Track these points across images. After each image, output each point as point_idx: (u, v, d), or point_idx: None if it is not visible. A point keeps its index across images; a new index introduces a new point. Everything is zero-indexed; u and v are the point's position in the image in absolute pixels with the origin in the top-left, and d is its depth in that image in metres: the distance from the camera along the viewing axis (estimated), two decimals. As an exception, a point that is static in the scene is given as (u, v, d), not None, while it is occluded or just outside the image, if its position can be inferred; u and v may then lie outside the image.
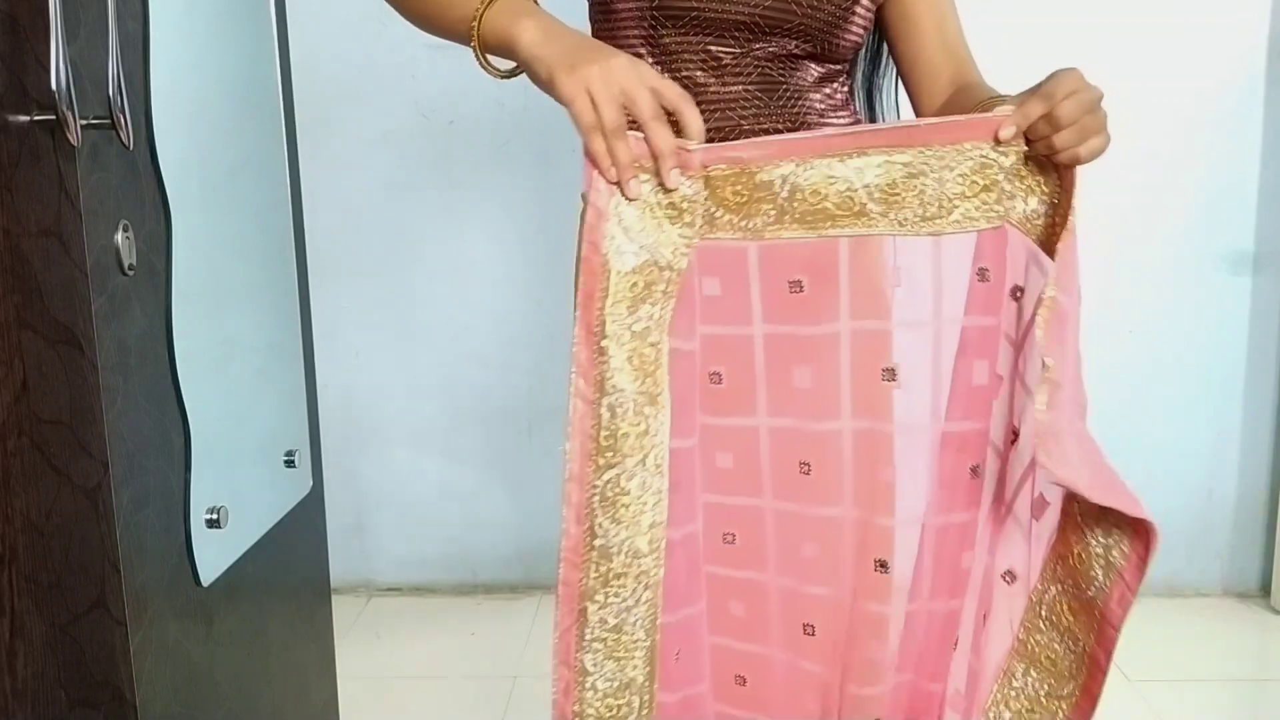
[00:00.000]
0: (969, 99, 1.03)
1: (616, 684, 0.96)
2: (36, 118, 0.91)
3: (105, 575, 0.99)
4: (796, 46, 1.06)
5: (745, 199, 0.94)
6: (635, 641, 0.96)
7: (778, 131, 1.06)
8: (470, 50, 0.97)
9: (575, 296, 0.92)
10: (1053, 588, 1.00)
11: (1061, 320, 0.90)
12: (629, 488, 0.93)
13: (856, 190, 0.93)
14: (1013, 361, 0.97)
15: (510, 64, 0.96)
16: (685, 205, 0.93)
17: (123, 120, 0.95)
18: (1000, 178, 0.93)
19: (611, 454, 0.93)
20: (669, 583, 0.97)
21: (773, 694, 1.06)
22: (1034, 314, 0.91)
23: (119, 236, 0.99)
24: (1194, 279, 2.37)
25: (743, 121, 1.06)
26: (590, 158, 0.90)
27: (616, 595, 0.94)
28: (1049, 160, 0.91)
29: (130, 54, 1.02)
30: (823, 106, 1.10)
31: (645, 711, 0.98)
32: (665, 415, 0.95)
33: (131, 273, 1.01)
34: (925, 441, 0.99)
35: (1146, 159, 2.28)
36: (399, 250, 2.39)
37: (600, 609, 0.94)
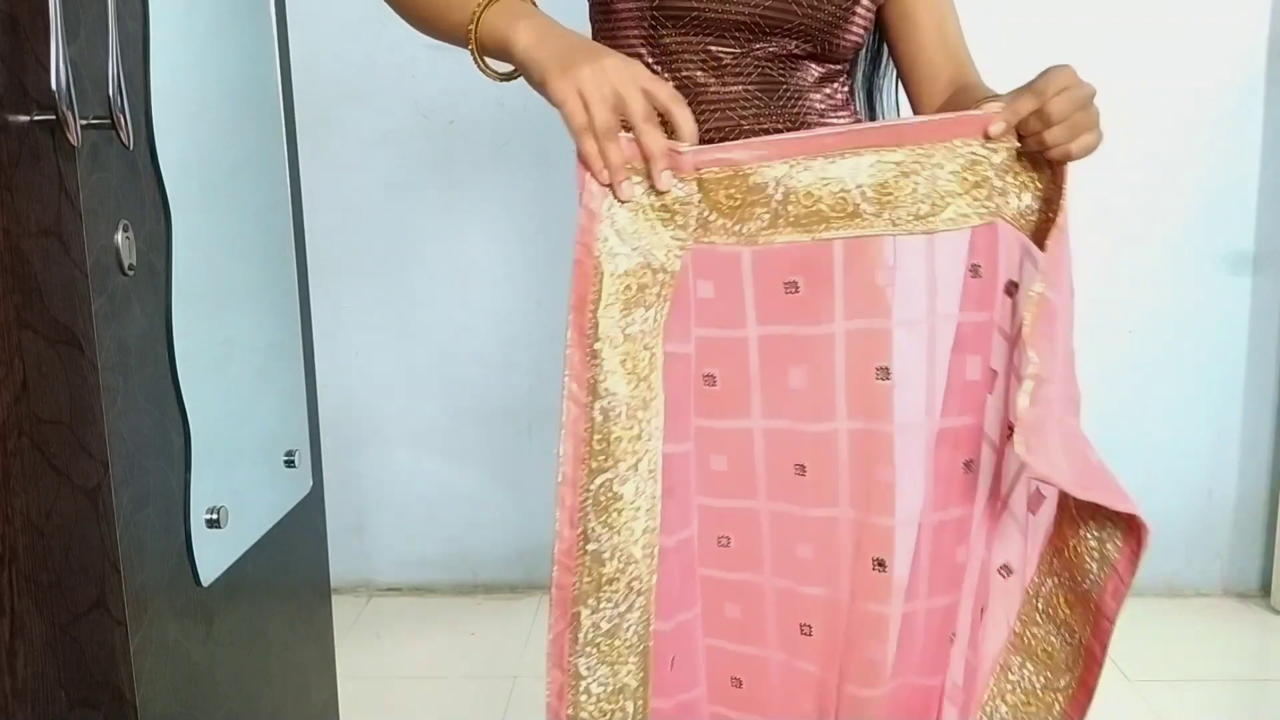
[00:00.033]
0: (968, 99, 1.03)
1: (610, 689, 0.96)
2: (36, 118, 0.91)
3: (105, 575, 0.99)
4: (797, 47, 1.06)
5: (739, 202, 0.93)
6: (629, 647, 0.95)
7: (778, 132, 1.06)
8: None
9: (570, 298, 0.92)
10: (1049, 580, 1.00)
11: (1051, 317, 0.90)
12: (622, 493, 0.93)
13: (850, 191, 0.93)
14: (1007, 357, 0.96)
15: (508, 66, 0.96)
16: (678, 207, 0.93)
17: (123, 120, 0.94)
18: (990, 174, 0.93)
19: (604, 458, 0.92)
20: (662, 589, 0.96)
21: (769, 695, 1.06)
22: (1022, 310, 0.91)
23: (119, 236, 0.99)
24: (1194, 279, 2.37)
25: (743, 122, 1.06)
26: (582, 159, 0.90)
27: (609, 600, 0.94)
28: (1042, 157, 0.91)
29: (130, 54, 1.02)
30: (823, 107, 1.10)
31: (639, 717, 0.97)
32: (659, 420, 0.94)
33: (131, 273, 1.01)
34: (921, 439, 0.99)
35: (1146, 159, 2.28)
36: (399, 250, 2.39)
37: (593, 614, 0.94)
